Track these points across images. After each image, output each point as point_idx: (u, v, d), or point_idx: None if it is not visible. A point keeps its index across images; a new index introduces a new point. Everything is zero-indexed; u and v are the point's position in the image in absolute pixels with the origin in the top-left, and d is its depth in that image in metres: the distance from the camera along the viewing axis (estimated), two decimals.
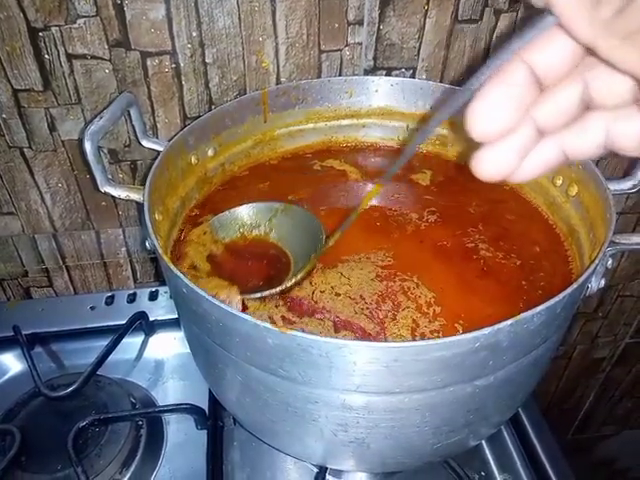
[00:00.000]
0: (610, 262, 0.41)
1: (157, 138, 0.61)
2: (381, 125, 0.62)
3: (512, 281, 0.46)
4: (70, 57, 0.56)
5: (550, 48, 0.21)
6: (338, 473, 0.53)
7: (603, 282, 0.41)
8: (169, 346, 0.67)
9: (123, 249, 0.73)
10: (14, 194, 0.65)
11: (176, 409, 0.58)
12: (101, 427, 0.54)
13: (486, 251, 0.49)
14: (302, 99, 0.60)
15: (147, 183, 0.44)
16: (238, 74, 0.60)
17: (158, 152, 0.50)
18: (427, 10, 0.59)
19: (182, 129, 0.52)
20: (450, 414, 0.37)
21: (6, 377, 0.64)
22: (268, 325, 0.32)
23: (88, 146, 0.43)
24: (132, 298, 0.72)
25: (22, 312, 0.70)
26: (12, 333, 0.62)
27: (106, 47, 0.56)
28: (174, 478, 0.54)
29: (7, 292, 0.75)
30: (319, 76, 0.62)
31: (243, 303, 0.42)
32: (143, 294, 0.72)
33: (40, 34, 0.54)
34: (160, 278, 0.77)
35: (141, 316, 0.66)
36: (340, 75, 0.62)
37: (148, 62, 0.58)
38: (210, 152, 0.55)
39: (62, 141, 0.62)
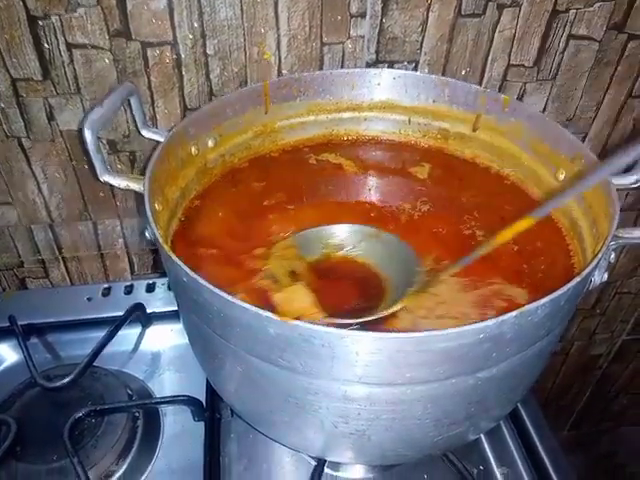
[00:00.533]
0: (612, 256, 0.41)
1: (157, 129, 0.61)
2: (383, 118, 0.62)
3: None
4: (70, 46, 0.56)
5: None
6: (336, 466, 0.53)
7: (606, 276, 0.41)
8: (166, 338, 0.67)
9: (120, 240, 0.73)
10: (11, 184, 0.65)
11: (173, 400, 0.57)
12: (97, 418, 0.54)
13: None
14: (303, 91, 0.59)
15: (147, 172, 0.44)
16: (239, 66, 0.60)
17: (158, 143, 0.49)
18: (430, 4, 0.59)
19: (182, 120, 0.51)
20: (452, 406, 0.37)
21: (2, 367, 0.63)
22: (270, 315, 0.31)
23: (88, 135, 0.42)
24: (129, 290, 0.71)
25: (18, 303, 0.69)
26: (8, 323, 0.62)
27: (107, 37, 0.56)
28: (171, 470, 0.54)
29: (3, 283, 0.74)
30: (321, 68, 0.62)
31: None
32: (140, 286, 0.71)
33: (40, 23, 0.54)
34: (157, 270, 0.77)
35: (138, 308, 0.66)
36: (342, 68, 0.62)
37: (149, 52, 0.57)
38: (210, 143, 0.55)
39: (60, 131, 0.62)
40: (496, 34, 0.62)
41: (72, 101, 0.59)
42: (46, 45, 0.55)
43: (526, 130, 0.54)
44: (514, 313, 0.32)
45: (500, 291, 0.44)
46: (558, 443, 0.55)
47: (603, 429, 1.22)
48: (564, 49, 0.64)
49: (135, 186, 0.45)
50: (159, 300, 0.69)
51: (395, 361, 0.32)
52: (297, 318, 0.36)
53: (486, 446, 0.56)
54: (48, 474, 0.49)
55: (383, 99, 0.61)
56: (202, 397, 0.57)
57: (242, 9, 0.56)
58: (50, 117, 0.60)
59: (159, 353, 0.65)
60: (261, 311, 0.32)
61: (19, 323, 0.62)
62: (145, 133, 0.53)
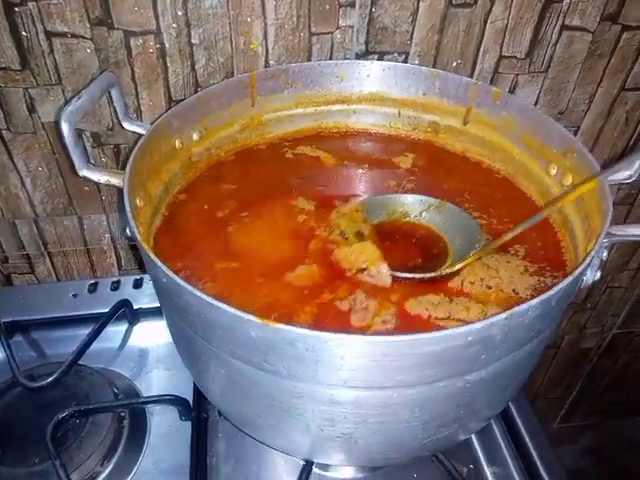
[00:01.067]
0: (605, 254, 0.40)
1: (141, 121, 0.59)
2: (372, 111, 0.61)
3: None
4: (49, 35, 0.54)
5: None
6: (325, 466, 0.52)
7: (598, 274, 0.40)
8: (153, 335, 0.65)
9: (107, 235, 0.71)
10: None
11: (159, 400, 0.56)
12: (82, 418, 0.53)
13: None
14: (291, 83, 0.58)
15: (128, 167, 0.42)
16: (225, 56, 0.58)
17: (141, 135, 0.48)
18: None
19: (165, 112, 0.50)
20: (440, 409, 0.36)
21: None
22: (251, 317, 0.30)
23: (65, 127, 0.41)
24: (116, 286, 0.70)
25: (1, 300, 0.68)
26: None
27: (87, 25, 0.54)
28: (157, 470, 0.53)
29: None
30: (309, 59, 0.60)
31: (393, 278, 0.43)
32: (127, 282, 0.70)
33: (16, 9, 0.52)
34: (145, 265, 0.75)
35: (125, 304, 0.65)
36: (331, 59, 0.60)
37: (132, 42, 0.56)
38: (195, 136, 0.53)
39: (42, 123, 0.60)
40: (488, 25, 0.61)
41: (53, 92, 0.58)
42: (24, 33, 0.53)
43: (518, 124, 0.53)
44: (504, 315, 0.31)
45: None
46: (549, 442, 0.55)
47: (591, 422, 1.22)
48: (557, 40, 0.63)
49: (115, 181, 0.43)
50: (146, 296, 0.68)
51: (381, 365, 0.31)
52: (364, 269, 0.43)
53: (476, 445, 0.55)
54: (29, 477, 0.48)
55: (373, 91, 0.60)
56: (190, 395, 0.56)
57: None
58: (31, 109, 0.58)
59: (146, 351, 0.64)
60: (241, 313, 0.31)
61: (2, 320, 0.61)
62: (127, 125, 0.52)
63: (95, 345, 0.58)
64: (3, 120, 0.59)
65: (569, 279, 0.34)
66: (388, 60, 0.61)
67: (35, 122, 0.60)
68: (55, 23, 0.53)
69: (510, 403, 0.58)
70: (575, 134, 0.72)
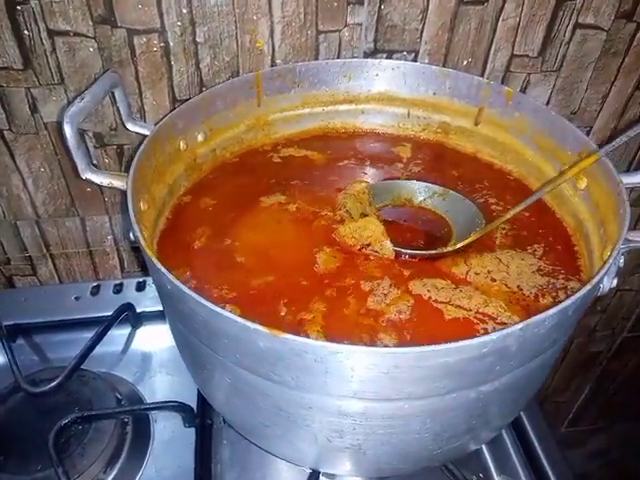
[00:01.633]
0: (622, 260, 0.39)
1: (145, 121, 0.58)
2: (381, 111, 0.60)
3: None
4: (52, 33, 0.53)
5: None
6: (332, 475, 0.51)
7: (615, 282, 0.39)
8: (157, 339, 0.65)
9: (110, 237, 0.70)
10: None
11: (163, 406, 0.55)
12: (84, 425, 0.52)
13: None
14: (298, 82, 0.57)
15: (131, 169, 0.41)
16: (231, 55, 0.57)
17: (144, 136, 0.47)
18: None
19: (171, 112, 0.49)
20: (452, 420, 0.35)
21: None
22: (259, 327, 0.29)
23: (68, 129, 0.40)
24: (119, 289, 0.69)
25: (3, 302, 0.67)
26: None
27: (90, 24, 0.53)
28: (161, 478, 0.52)
29: None
30: (316, 58, 0.59)
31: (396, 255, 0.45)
32: (130, 284, 0.69)
33: (18, 7, 0.51)
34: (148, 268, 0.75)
35: (128, 307, 0.64)
36: (338, 58, 0.59)
37: (135, 40, 0.55)
38: (200, 137, 0.52)
39: (44, 123, 0.59)
40: (500, 23, 0.59)
41: (55, 92, 0.57)
42: (26, 32, 0.52)
43: (530, 124, 0.52)
44: (520, 325, 0.30)
45: (565, 287, 0.43)
46: (559, 448, 0.53)
47: (599, 426, 1.21)
48: (570, 39, 0.61)
49: (119, 184, 0.42)
50: (149, 299, 0.67)
51: (392, 376, 0.30)
52: (367, 244, 0.45)
53: (485, 453, 0.54)
54: None
55: (381, 91, 0.58)
56: (194, 401, 0.55)
57: None
58: (33, 109, 0.58)
59: (149, 355, 0.63)
60: (249, 323, 0.30)
61: (4, 324, 0.60)
62: (130, 126, 0.51)
63: (97, 349, 0.58)
64: (5, 120, 0.58)
65: (587, 287, 0.33)
66: (397, 59, 0.60)
67: (37, 122, 0.59)
68: (58, 22, 0.52)
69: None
70: (587, 134, 0.70)
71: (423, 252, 0.45)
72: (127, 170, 0.42)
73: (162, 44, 0.55)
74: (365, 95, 0.59)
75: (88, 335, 0.58)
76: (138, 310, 0.65)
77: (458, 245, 0.45)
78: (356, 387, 0.31)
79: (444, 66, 0.60)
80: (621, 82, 0.66)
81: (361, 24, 0.57)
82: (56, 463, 0.47)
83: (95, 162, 0.62)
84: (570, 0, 0.58)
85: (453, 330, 0.39)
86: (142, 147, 0.44)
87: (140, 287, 0.69)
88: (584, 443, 1.23)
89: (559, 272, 0.44)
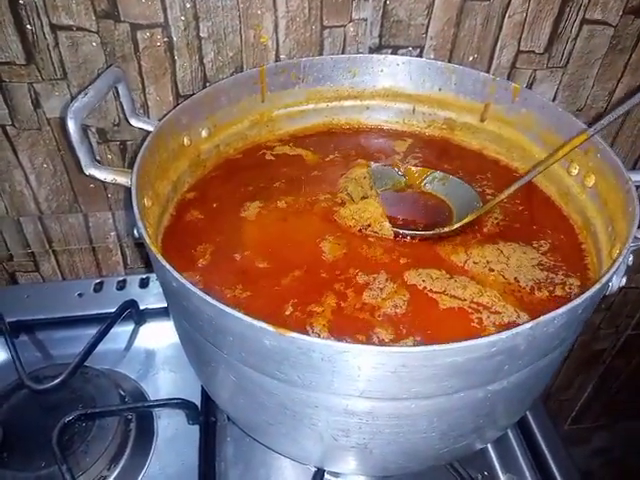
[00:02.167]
0: (631, 258, 0.39)
1: (148, 117, 0.58)
2: (385, 107, 0.59)
3: None
4: (54, 28, 0.52)
5: None
6: (337, 473, 0.51)
7: (624, 280, 0.38)
8: (160, 336, 0.64)
9: (113, 233, 0.70)
10: None
11: (167, 404, 0.55)
12: (88, 422, 0.52)
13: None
14: (302, 78, 0.56)
15: (135, 166, 0.41)
16: (235, 50, 0.57)
17: (148, 132, 0.46)
18: None
19: (174, 108, 0.48)
20: (459, 419, 0.35)
21: None
22: (265, 325, 0.29)
23: (71, 125, 0.40)
24: (122, 285, 0.69)
25: (6, 299, 0.67)
26: None
27: (93, 18, 0.52)
28: (164, 475, 0.52)
29: None
30: (321, 54, 0.59)
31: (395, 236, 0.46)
32: (133, 281, 0.69)
33: (21, 2, 0.50)
34: (151, 264, 0.74)
35: (131, 304, 0.64)
36: (343, 53, 0.59)
37: (138, 35, 0.54)
38: (204, 133, 0.52)
39: (47, 119, 0.59)
40: (506, 18, 0.59)
41: (58, 87, 0.56)
42: (28, 26, 0.52)
43: (537, 121, 0.52)
44: (529, 324, 0.29)
45: (564, 282, 0.43)
46: (566, 449, 0.53)
47: (602, 424, 1.20)
48: (577, 35, 0.61)
49: (122, 180, 0.42)
50: (153, 296, 0.67)
51: (399, 376, 0.30)
52: (367, 225, 0.46)
53: (491, 451, 0.54)
54: None
55: (386, 87, 0.58)
56: (198, 398, 0.55)
57: None
58: (36, 104, 0.57)
59: (153, 352, 0.63)
60: (255, 321, 0.29)
61: (7, 320, 0.60)
62: (134, 122, 0.50)
63: (101, 346, 0.57)
64: (8, 116, 0.57)
65: (596, 286, 0.32)
66: (402, 54, 0.59)
67: (40, 118, 0.58)
68: (60, 16, 0.52)
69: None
70: None
71: (421, 232, 0.46)
72: (130, 166, 0.42)
73: (165, 39, 0.55)
74: (370, 91, 0.58)
75: (91, 332, 0.57)
76: (141, 307, 0.65)
77: (455, 225, 0.46)
78: (363, 386, 0.31)
79: (450, 62, 0.59)
80: (628, 79, 0.66)
81: (366, 19, 0.57)
82: (60, 460, 0.46)
83: (98, 158, 0.62)
84: None
85: (448, 319, 0.39)
86: (146, 143, 0.44)
87: (143, 284, 0.69)
88: (587, 441, 1.22)
89: (560, 268, 0.44)
